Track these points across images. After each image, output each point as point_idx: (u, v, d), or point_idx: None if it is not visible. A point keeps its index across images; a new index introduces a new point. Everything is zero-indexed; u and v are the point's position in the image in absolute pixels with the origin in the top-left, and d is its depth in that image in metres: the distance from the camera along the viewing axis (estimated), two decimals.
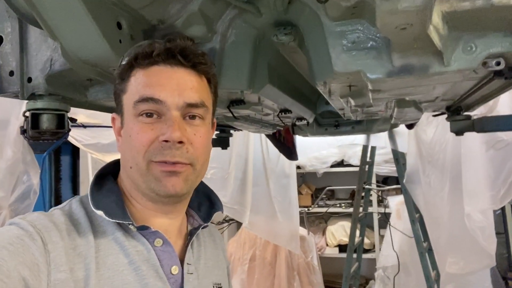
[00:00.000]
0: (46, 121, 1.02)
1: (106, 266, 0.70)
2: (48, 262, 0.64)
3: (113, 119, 0.81)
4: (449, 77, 0.86)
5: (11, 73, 1.01)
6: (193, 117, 0.75)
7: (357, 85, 1.04)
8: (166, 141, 0.71)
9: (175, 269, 0.76)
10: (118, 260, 0.71)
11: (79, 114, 1.49)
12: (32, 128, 1.01)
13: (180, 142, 0.71)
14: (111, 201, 0.75)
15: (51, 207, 1.72)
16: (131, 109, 0.73)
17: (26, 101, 1.03)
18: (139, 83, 0.73)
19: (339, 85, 1.04)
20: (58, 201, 1.82)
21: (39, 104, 1.01)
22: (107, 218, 0.72)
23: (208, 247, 0.89)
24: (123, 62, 0.76)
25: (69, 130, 1.09)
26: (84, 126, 1.46)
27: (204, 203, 0.90)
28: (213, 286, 0.84)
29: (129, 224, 0.73)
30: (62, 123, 1.05)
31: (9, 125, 1.31)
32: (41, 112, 1.02)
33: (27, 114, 1.03)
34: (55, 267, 0.64)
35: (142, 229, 0.75)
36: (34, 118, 1.02)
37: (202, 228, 0.85)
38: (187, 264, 0.79)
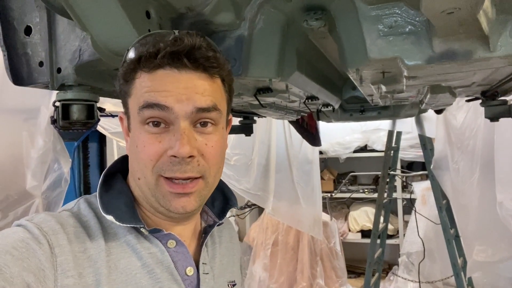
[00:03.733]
0: (76, 112, 1.03)
1: (119, 270, 0.67)
2: (55, 267, 0.61)
3: (120, 118, 0.77)
4: (493, 62, 0.81)
5: (41, 64, 1.01)
6: (204, 124, 0.68)
7: (391, 71, 1.00)
8: (175, 156, 0.65)
9: (190, 270, 0.73)
10: (130, 264, 0.68)
11: (106, 103, 1.50)
12: (63, 119, 1.02)
13: (190, 156, 0.66)
14: (121, 204, 0.71)
15: (81, 194, 1.77)
16: (136, 115, 0.68)
17: (56, 91, 1.04)
18: (143, 87, 0.67)
19: (372, 72, 1.00)
20: (86, 187, 1.86)
21: (69, 94, 1.01)
22: (118, 223, 0.68)
23: (223, 242, 0.86)
24: (127, 61, 0.69)
25: (99, 120, 1.10)
26: (112, 115, 1.47)
27: (218, 198, 0.85)
28: (228, 285, 0.82)
29: (141, 227, 0.70)
30: (92, 113, 1.05)
31: (40, 115, 1.33)
32: (71, 102, 1.02)
33: (57, 104, 1.04)
34: (62, 272, 0.61)
35: (154, 232, 0.72)
36: (64, 109, 1.02)
37: (217, 225, 0.82)
38: (203, 264, 0.76)
